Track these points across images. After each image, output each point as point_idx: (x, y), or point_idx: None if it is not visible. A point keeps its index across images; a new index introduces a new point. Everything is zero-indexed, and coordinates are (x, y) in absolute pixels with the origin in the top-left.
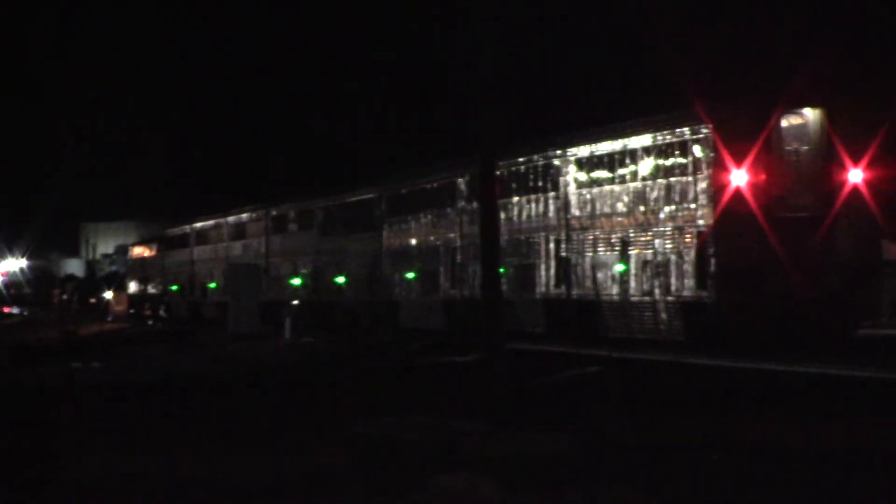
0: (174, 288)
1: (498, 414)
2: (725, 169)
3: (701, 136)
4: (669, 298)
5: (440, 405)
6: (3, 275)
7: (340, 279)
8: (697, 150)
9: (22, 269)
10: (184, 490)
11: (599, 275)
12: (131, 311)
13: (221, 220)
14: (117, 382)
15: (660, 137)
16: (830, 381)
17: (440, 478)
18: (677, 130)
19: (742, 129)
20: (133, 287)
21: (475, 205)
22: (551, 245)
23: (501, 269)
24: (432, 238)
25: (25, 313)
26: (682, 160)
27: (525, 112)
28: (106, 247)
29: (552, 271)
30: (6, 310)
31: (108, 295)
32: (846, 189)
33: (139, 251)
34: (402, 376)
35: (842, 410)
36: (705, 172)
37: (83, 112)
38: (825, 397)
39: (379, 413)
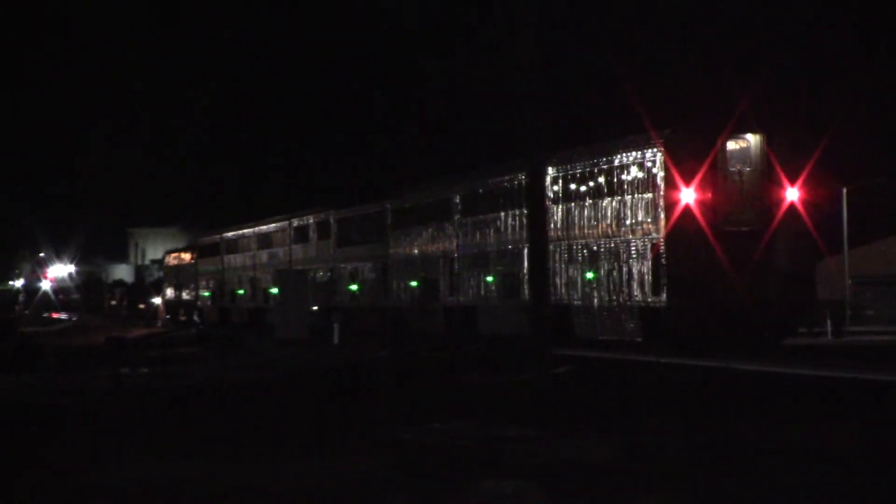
0: (206, 294)
1: (546, 421)
2: (676, 188)
3: (654, 158)
4: (629, 304)
5: (486, 410)
6: (51, 280)
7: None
8: (651, 171)
9: (70, 275)
10: (229, 494)
11: (571, 282)
12: (167, 315)
13: (249, 230)
14: (165, 388)
15: (618, 159)
16: (807, 381)
17: (486, 484)
18: (634, 153)
19: (691, 152)
20: (169, 293)
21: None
22: (530, 257)
23: (490, 278)
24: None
25: (74, 319)
26: (638, 180)
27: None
28: (155, 252)
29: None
30: (54, 315)
31: (158, 300)
32: (784, 206)
33: (175, 258)
34: (448, 381)
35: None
36: (658, 191)
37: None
38: (820, 399)
39: (425, 418)
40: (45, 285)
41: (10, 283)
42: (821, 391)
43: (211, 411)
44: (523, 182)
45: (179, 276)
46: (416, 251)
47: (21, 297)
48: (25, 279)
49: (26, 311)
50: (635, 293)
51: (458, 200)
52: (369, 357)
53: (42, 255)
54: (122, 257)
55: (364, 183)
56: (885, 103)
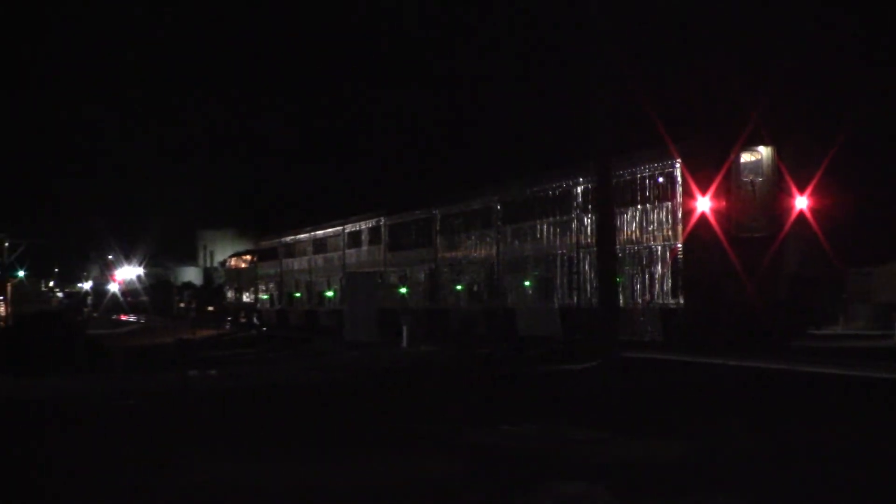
0: (265, 297)
1: (612, 421)
2: (692, 197)
3: (672, 169)
4: (650, 306)
5: (555, 412)
6: (119, 283)
7: (456, 287)
8: (669, 181)
9: (139, 277)
10: (300, 495)
11: (599, 285)
12: (228, 318)
13: (305, 235)
14: (234, 389)
15: (639, 170)
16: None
17: (555, 485)
18: (654, 165)
19: (706, 164)
20: (230, 295)
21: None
22: (566, 261)
23: (528, 282)
24: (547, 247)
25: (142, 321)
26: (657, 189)
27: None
28: (223, 254)
29: (566, 284)
30: (123, 317)
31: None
32: (793, 213)
33: (235, 262)
34: (517, 384)
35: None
36: (676, 200)
37: (203, 120)
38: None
39: (494, 420)
40: (114, 287)
41: (79, 285)
42: (883, 393)
43: (280, 413)
44: (556, 192)
45: (240, 280)
46: (460, 256)
47: (89, 300)
48: (94, 281)
49: (94, 314)
50: (656, 296)
51: (498, 208)
52: (438, 359)
53: (110, 257)
54: (191, 259)
55: (413, 190)
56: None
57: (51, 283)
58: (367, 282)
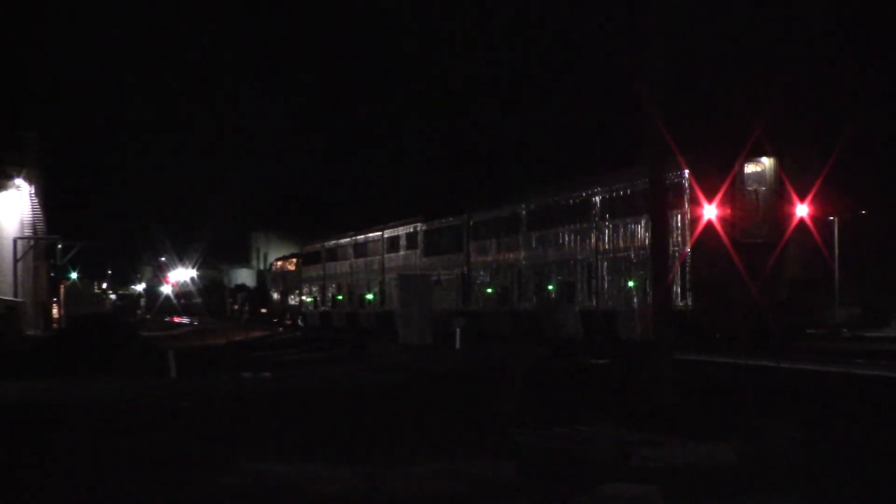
0: (309, 300)
1: (664, 422)
2: (700, 205)
3: (681, 179)
4: (662, 306)
5: (609, 413)
6: (173, 285)
7: (487, 290)
8: (678, 191)
9: (192, 279)
10: (352, 495)
11: (615, 290)
12: (274, 319)
13: (347, 240)
14: (288, 392)
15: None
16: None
17: (608, 488)
18: (670, 175)
19: (713, 174)
20: (275, 297)
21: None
22: (585, 267)
23: (551, 286)
24: (568, 253)
25: (195, 323)
26: (671, 198)
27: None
28: (276, 256)
29: (585, 288)
30: (176, 319)
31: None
32: (794, 220)
33: (280, 264)
34: (571, 385)
35: None
36: (685, 208)
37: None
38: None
39: (548, 422)
40: (167, 289)
41: (132, 287)
42: None
43: (334, 414)
44: (576, 201)
45: (285, 282)
46: (490, 260)
47: (142, 302)
48: (147, 283)
49: (147, 316)
50: (668, 298)
51: (524, 216)
52: (492, 361)
53: (163, 259)
54: (244, 261)
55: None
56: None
57: (104, 285)
58: (420, 284)
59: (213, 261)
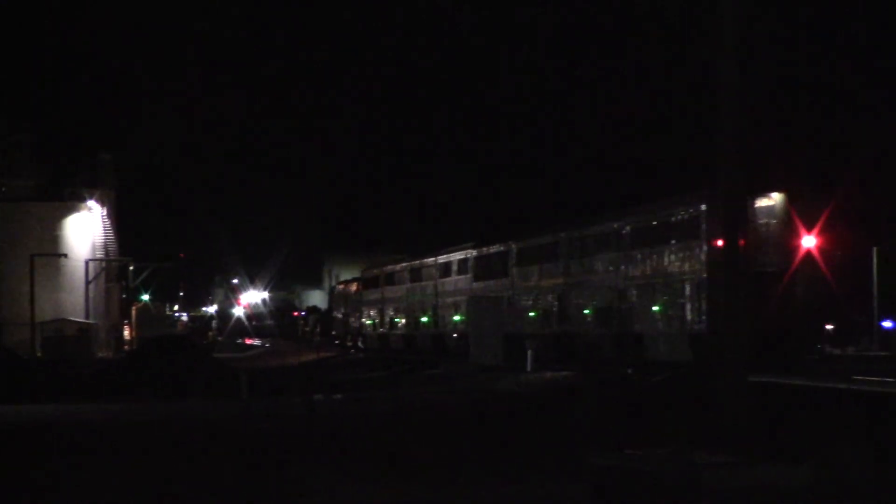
0: (368, 322)
1: (738, 444)
2: (715, 237)
3: (698, 213)
4: (683, 331)
5: (681, 436)
6: (245, 307)
7: (530, 314)
8: (696, 223)
9: (264, 301)
10: None
11: (641, 314)
12: (336, 341)
13: (403, 265)
14: (359, 413)
15: (672, 214)
16: None
17: None
18: (684, 210)
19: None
20: (338, 318)
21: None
22: (615, 293)
23: (587, 311)
24: (603, 279)
25: (267, 345)
26: (687, 230)
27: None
28: (348, 277)
29: (617, 312)
30: (248, 341)
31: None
32: (802, 251)
33: (343, 287)
34: (642, 407)
35: None
36: (702, 239)
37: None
38: None
39: (619, 444)
40: (239, 311)
41: (204, 309)
42: None
43: (404, 436)
44: (607, 231)
45: (347, 305)
46: (532, 285)
47: (214, 323)
48: (219, 305)
49: (219, 338)
50: (687, 322)
51: (563, 243)
52: (564, 383)
53: (236, 281)
54: (317, 283)
55: (494, 225)
56: None
57: (176, 307)
58: (492, 306)
59: (285, 282)
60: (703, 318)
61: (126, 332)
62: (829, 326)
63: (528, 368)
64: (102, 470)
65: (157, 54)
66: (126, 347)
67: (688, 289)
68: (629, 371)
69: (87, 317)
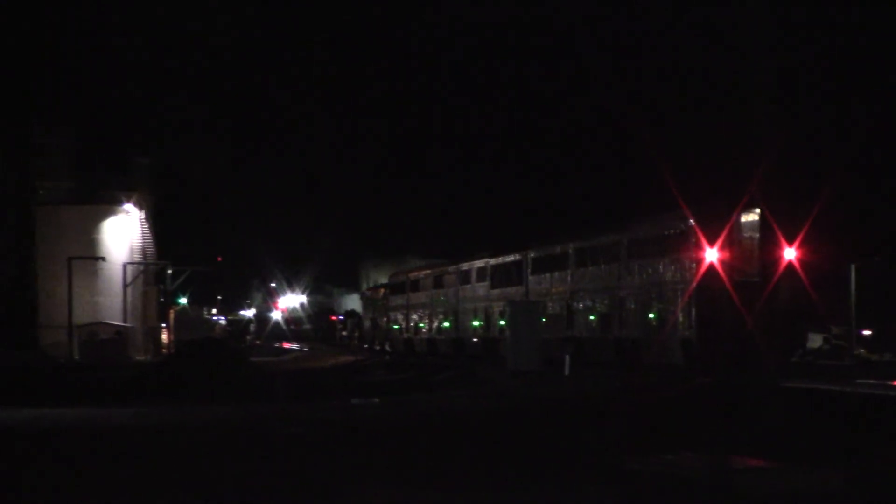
0: (395, 327)
1: (769, 449)
2: (703, 249)
3: (688, 229)
4: (674, 336)
5: (716, 441)
6: (282, 310)
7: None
8: (686, 238)
9: (302, 305)
10: None
11: (638, 320)
12: (364, 345)
13: (427, 272)
14: (396, 418)
15: (665, 229)
16: None
17: None
18: (675, 225)
19: (714, 223)
20: (367, 323)
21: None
22: (617, 301)
23: (592, 316)
24: (606, 287)
25: (305, 349)
26: (678, 244)
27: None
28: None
29: (617, 319)
30: (285, 345)
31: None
32: (783, 262)
33: (371, 293)
34: (678, 412)
35: None
36: (691, 252)
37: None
38: None
39: (655, 449)
40: (277, 315)
41: (241, 312)
42: None
43: (442, 441)
44: (606, 243)
45: (375, 309)
46: (544, 292)
47: (252, 327)
48: (257, 309)
49: (257, 341)
50: (678, 328)
51: (571, 254)
52: (600, 388)
53: (273, 284)
54: (354, 287)
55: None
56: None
57: (213, 311)
58: (529, 310)
59: (322, 286)
60: (693, 324)
61: (164, 336)
62: (866, 332)
63: (566, 373)
64: (129, 474)
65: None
66: (164, 351)
67: (679, 298)
68: (660, 376)
69: (124, 320)
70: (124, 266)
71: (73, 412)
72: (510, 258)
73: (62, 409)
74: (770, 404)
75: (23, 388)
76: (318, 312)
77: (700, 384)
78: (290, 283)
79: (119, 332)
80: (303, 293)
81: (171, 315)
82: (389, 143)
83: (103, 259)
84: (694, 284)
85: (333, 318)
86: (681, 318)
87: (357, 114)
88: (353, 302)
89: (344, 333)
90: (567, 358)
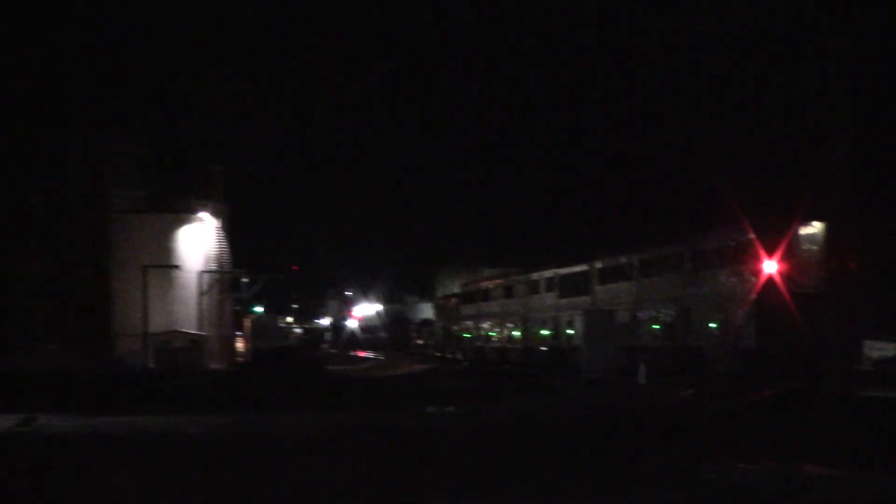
0: (467, 335)
1: (846, 458)
2: (762, 261)
3: (748, 241)
4: (736, 346)
5: (790, 449)
6: (358, 319)
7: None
8: (746, 250)
9: (378, 313)
10: None
11: (700, 329)
12: (437, 353)
13: (497, 282)
14: (471, 426)
15: (725, 241)
16: None
17: None
18: (735, 236)
19: (774, 236)
20: (439, 332)
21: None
22: (678, 310)
23: (656, 326)
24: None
25: (381, 357)
26: (738, 256)
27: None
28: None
29: (680, 327)
30: (361, 353)
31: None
32: (842, 273)
33: (443, 301)
34: (751, 420)
35: None
36: (751, 264)
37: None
38: None
39: (728, 457)
40: (352, 323)
41: (317, 321)
42: None
43: (519, 449)
44: (671, 253)
45: (447, 318)
46: (610, 302)
47: (327, 335)
48: (332, 317)
49: (333, 350)
50: (739, 338)
51: (635, 264)
52: (673, 397)
53: (349, 292)
54: (430, 296)
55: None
56: None
57: (289, 319)
58: (604, 319)
59: (398, 295)
60: (753, 334)
61: (239, 344)
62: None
63: (642, 381)
64: (200, 482)
65: (274, 65)
66: (239, 359)
67: (740, 308)
68: (734, 385)
69: (199, 328)
70: (199, 274)
71: (151, 420)
72: (577, 268)
73: (140, 417)
74: (843, 413)
75: (98, 396)
76: (394, 321)
77: (772, 392)
78: (366, 292)
79: (194, 340)
80: (378, 302)
81: (247, 323)
82: (466, 154)
83: (178, 267)
84: (754, 295)
85: (408, 326)
86: (741, 328)
87: (435, 124)
88: (428, 310)
89: (420, 342)
90: (642, 366)
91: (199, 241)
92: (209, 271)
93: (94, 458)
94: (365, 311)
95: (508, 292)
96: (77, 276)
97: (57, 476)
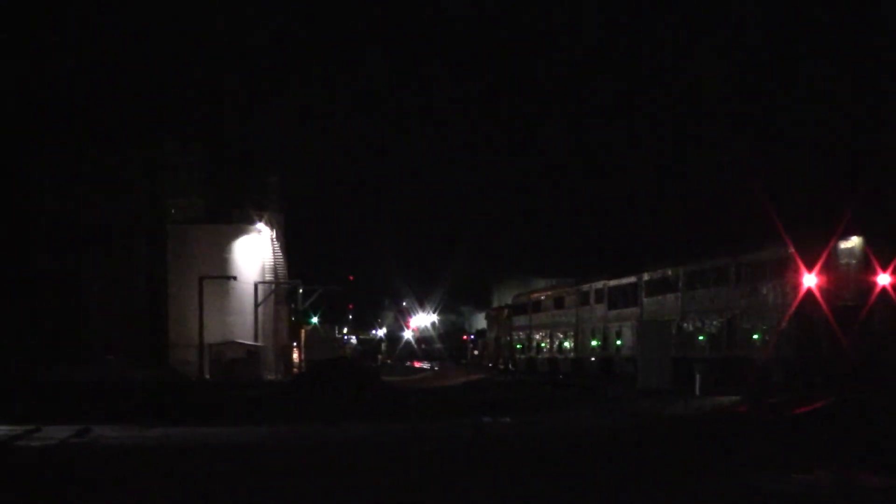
0: (518, 346)
1: None
2: (802, 275)
3: (787, 256)
4: (776, 357)
5: (845, 459)
6: (414, 330)
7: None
8: (785, 264)
9: (433, 324)
10: None
11: (744, 340)
12: (489, 364)
13: (547, 293)
14: (526, 436)
15: (764, 256)
16: None
17: None
18: (775, 251)
19: (813, 250)
20: (491, 342)
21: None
22: (723, 322)
23: (702, 337)
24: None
25: (436, 368)
26: (778, 270)
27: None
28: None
29: (724, 337)
30: (416, 364)
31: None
32: (878, 288)
33: (495, 313)
34: (806, 430)
35: None
36: (790, 278)
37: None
38: None
39: (783, 467)
40: (408, 334)
41: (373, 331)
42: None
43: (574, 460)
44: (716, 268)
45: (499, 329)
46: (657, 313)
47: (383, 346)
48: (388, 328)
49: (388, 360)
50: (780, 349)
51: (682, 277)
52: (728, 407)
53: (405, 304)
54: (485, 306)
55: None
56: None
57: (345, 330)
58: (660, 330)
59: (454, 305)
60: (793, 345)
61: (295, 355)
62: None
63: (697, 392)
64: (250, 491)
65: (328, 76)
66: (295, 370)
67: (781, 320)
68: (786, 396)
69: (255, 339)
70: (255, 285)
71: (200, 431)
72: (626, 280)
73: (188, 428)
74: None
75: (154, 407)
76: (449, 332)
77: (824, 402)
78: (422, 303)
79: (250, 351)
80: (434, 312)
81: (303, 334)
82: (522, 167)
83: (234, 278)
84: (794, 308)
85: (465, 337)
86: (782, 340)
87: (489, 135)
88: (483, 321)
89: (475, 352)
90: (698, 377)
91: (255, 252)
92: (265, 282)
93: (145, 470)
94: (421, 321)
95: (559, 303)
96: (134, 286)
97: (107, 489)
